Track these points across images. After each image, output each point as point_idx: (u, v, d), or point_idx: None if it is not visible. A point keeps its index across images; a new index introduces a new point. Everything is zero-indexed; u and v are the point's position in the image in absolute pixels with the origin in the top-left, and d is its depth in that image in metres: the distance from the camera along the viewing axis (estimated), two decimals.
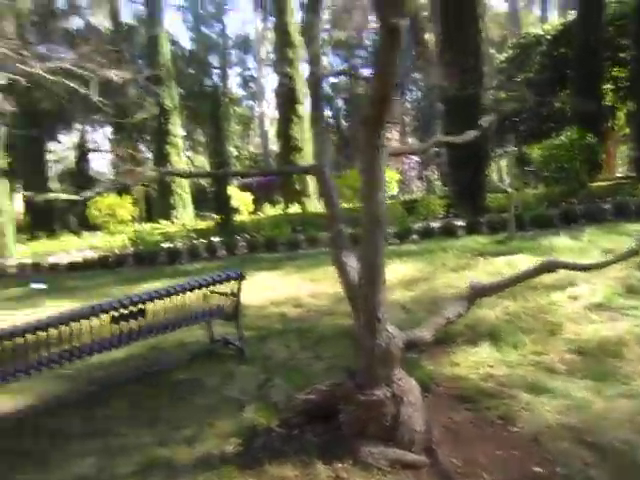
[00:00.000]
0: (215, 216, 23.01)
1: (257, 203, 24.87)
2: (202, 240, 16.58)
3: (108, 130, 37.30)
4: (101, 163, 40.33)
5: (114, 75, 9.32)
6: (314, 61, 3.67)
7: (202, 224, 19.43)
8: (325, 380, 3.83)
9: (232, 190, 19.61)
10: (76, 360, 4.05)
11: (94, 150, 36.02)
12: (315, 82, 3.65)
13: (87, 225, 28.93)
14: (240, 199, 22.32)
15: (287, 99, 22.36)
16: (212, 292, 4.78)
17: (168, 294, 4.30)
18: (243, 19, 64.54)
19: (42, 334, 3.71)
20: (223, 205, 14.48)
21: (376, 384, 3.15)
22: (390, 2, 2.72)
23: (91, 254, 15.92)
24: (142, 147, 33.16)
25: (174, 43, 29.04)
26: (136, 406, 4.23)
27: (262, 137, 36.92)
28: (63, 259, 15.29)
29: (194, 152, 39.32)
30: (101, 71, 9.13)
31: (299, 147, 21.94)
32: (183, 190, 23.29)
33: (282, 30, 22.70)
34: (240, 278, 4.74)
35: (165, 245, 15.15)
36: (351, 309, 3.52)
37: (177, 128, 23.77)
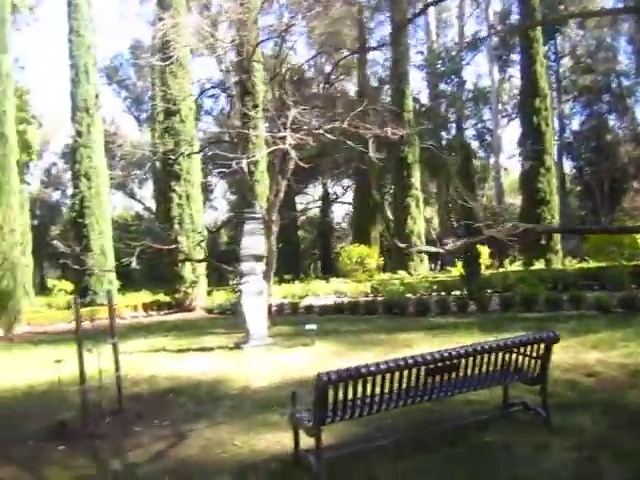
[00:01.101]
0: (450, 268, 22.83)
1: (492, 257, 24.03)
2: (442, 293, 16.46)
3: (346, 183, 40.22)
4: (339, 213, 43.29)
5: (390, 134, 9.92)
6: None
7: (441, 276, 19.34)
8: None
9: None
10: (392, 407, 4.12)
11: (335, 201, 39.06)
12: None
13: (329, 271, 31.06)
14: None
15: (533, 150, 21.44)
16: (518, 353, 4.51)
17: (482, 351, 4.17)
18: (477, 72, 64.69)
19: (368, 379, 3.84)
20: (472, 259, 14.14)
21: None
22: None
23: (338, 299, 16.92)
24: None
25: (415, 100, 30.19)
26: (449, 464, 4.07)
27: (497, 189, 35.87)
28: (315, 302, 16.47)
29: (425, 204, 39.96)
30: (375, 131, 9.81)
31: (546, 200, 20.73)
32: (421, 242, 23.61)
33: (529, 80, 22.02)
34: (554, 340, 4.40)
35: (409, 296, 15.33)
36: None
37: (417, 181, 24.43)
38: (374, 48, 24.81)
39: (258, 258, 9.66)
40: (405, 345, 8.77)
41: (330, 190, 40.83)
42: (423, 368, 4.01)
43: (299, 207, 39.68)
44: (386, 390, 4.03)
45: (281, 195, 11.18)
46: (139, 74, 47.25)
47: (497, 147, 35.72)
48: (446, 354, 4.03)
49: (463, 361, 4.18)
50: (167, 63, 14.78)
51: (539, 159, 21.06)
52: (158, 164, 30.13)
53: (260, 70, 17.98)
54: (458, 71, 35.87)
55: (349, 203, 40.59)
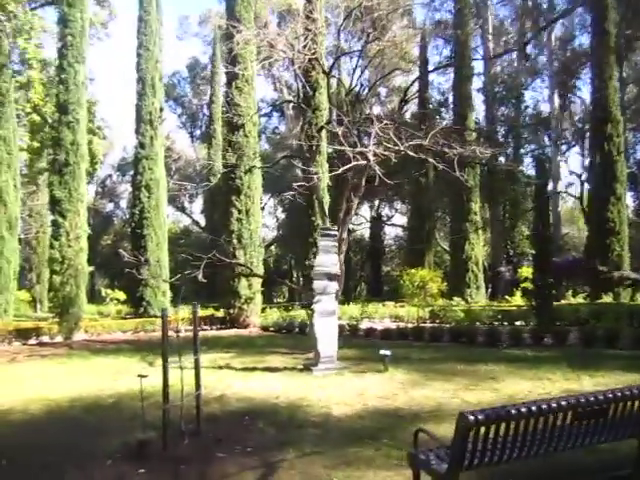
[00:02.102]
0: (508, 297, 21.89)
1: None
2: (505, 323, 15.72)
3: (399, 205, 39.67)
4: (390, 235, 42.63)
5: (479, 153, 9.48)
6: None
7: (504, 305, 18.51)
8: None
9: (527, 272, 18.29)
10: (533, 453, 3.59)
11: (386, 223, 38.51)
12: None
13: (378, 294, 30.43)
14: None
15: (602, 178, 20.48)
16: None
17: (632, 397, 3.63)
18: (533, 96, 63.23)
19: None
20: (544, 289, 13.38)
21: None
22: None
23: (394, 323, 16.37)
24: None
25: (476, 123, 29.60)
26: None
27: (554, 217, 34.59)
28: (373, 325, 15.95)
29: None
30: (460, 150, 9.38)
31: (616, 231, 19.67)
32: (478, 269, 22.80)
33: (600, 105, 21.15)
34: None
35: (477, 324, 14.69)
36: None
37: (477, 207, 23.71)
38: (444, 66, 24.48)
39: (331, 277, 9.25)
40: (490, 378, 8.16)
41: (380, 211, 40.35)
42: (570, 412, 3.50)
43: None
44: (529, 433, 3.51)
45: (352, 212, 10.82)
46: (195, 91, 48.26)
47: (556, 174, 34.55)
48: (601, 397, 3.50)
49: (613, 406, 3.65)
50: (240, 73, 14.71)
51: (609, 187, 20.05)
52: (213, 179, 30.32)
53: (326, 87, 17.81)
54: (517, 96, 35.12)
55: (400, 226, 39.99)
